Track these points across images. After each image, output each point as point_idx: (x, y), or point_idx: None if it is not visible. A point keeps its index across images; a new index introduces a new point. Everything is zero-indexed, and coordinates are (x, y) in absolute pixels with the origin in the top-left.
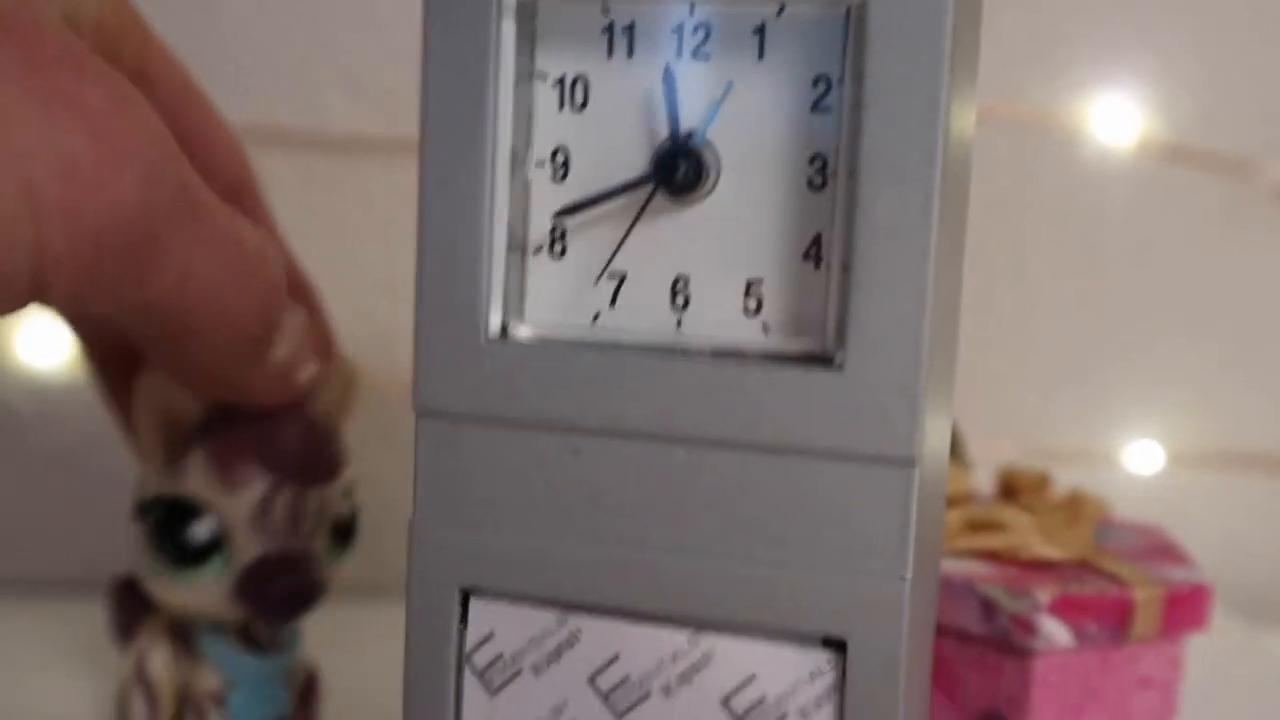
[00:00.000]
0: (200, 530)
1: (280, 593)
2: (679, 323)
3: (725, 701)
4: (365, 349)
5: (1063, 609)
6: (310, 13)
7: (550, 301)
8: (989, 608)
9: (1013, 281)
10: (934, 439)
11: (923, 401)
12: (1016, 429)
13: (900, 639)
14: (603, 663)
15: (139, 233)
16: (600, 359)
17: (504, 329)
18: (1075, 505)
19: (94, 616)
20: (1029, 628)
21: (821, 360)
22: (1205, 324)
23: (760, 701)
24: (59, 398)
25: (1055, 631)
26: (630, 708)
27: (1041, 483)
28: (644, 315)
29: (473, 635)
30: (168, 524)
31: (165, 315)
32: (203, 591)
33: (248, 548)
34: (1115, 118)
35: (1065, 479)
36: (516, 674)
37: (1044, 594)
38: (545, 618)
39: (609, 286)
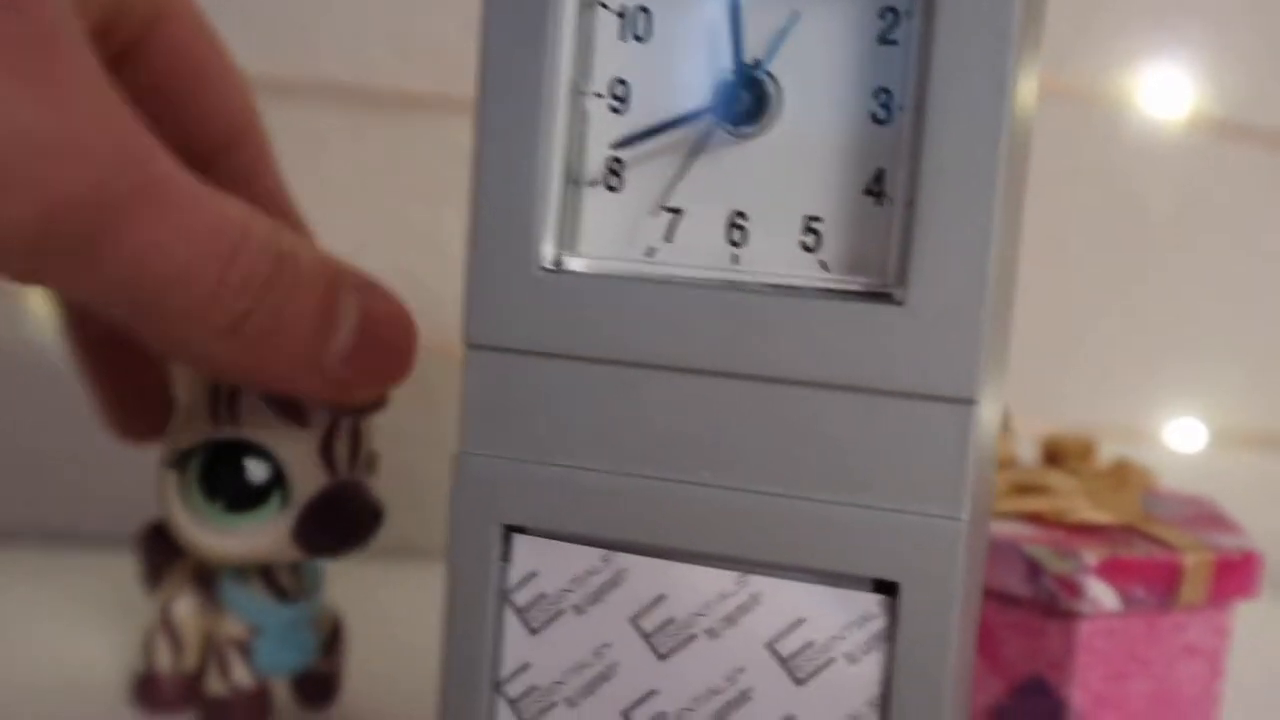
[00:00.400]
0: (258, 470)
1: (347, 524)
2: (735, 259)
3: (771, 645)
4: (412, 312)
5: (1110, 572)
6: None
7: (605, 235)
8: (1034, 569)
9: (1056, 257)
10: (992, 381)
11: (984, 341)
12: (1058, 404)
13: (954, 583)
14: (647, 603)
15: (90, 218)
16: (655, 293)
17: (557, 261)
18: (1121, 472)
19: (126, 568)
20: (1074, 590)
21: (882, 297)
22: (1251, 302)
23: (807, 645)
24: None
25: (1101, 594)
26: (674, 649)
27: (1086, 450)
28: (700, 251)
29: (515, 573)
30: (217, 469)
31: (127, 299)
32: (258, 535)
33: (308, 483)
34: (1165, 91)
35: (1108, 455)
36: (559, 613)
37: (1091, 556)
38: (590, 556)
39: (665, 221)
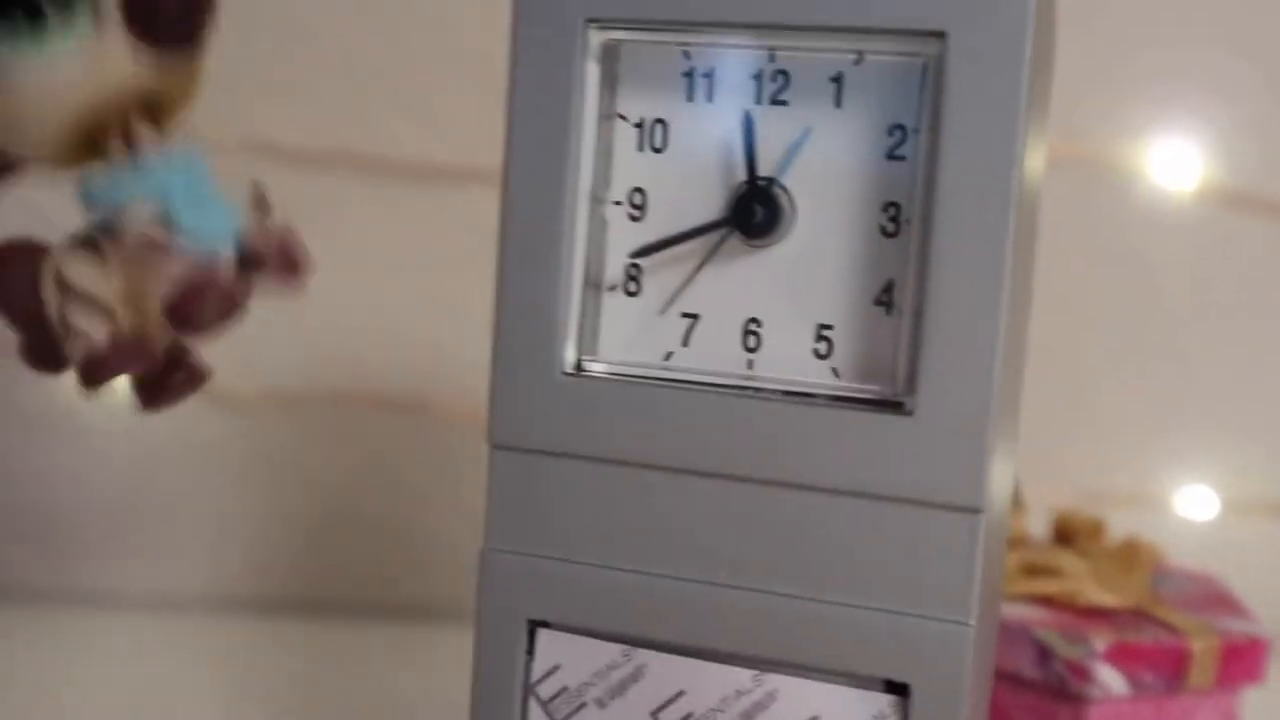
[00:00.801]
0: None
1: None
2: (750, 364)
3: None
4: (430, 373)
5: (1119, 656)
6: (382, 40)
7: (623, 339)
8: (1044, 653)
9: (1066, 324)
10: (999, 486)
11: (991, 450)
12: (1069, 471)
13: (963, 685)
14: (667, 698)
15: None
16: (672, 397)
17: (578, 365)
18: (1130, 552)
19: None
20: (1084, 674)
21: (891, 405)
22: (1263, 370)
23: None
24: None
25: (1111, 679)
26: None
27: (1096, 529)
28: (716, 356)
29: (539, 666)
30: None
31: None
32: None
33: None
34: (1175, 161)
35: (1118, 523)
36: (581, 706)
37: (1100, 641)
38: (611, 651)
39: (682, 326)
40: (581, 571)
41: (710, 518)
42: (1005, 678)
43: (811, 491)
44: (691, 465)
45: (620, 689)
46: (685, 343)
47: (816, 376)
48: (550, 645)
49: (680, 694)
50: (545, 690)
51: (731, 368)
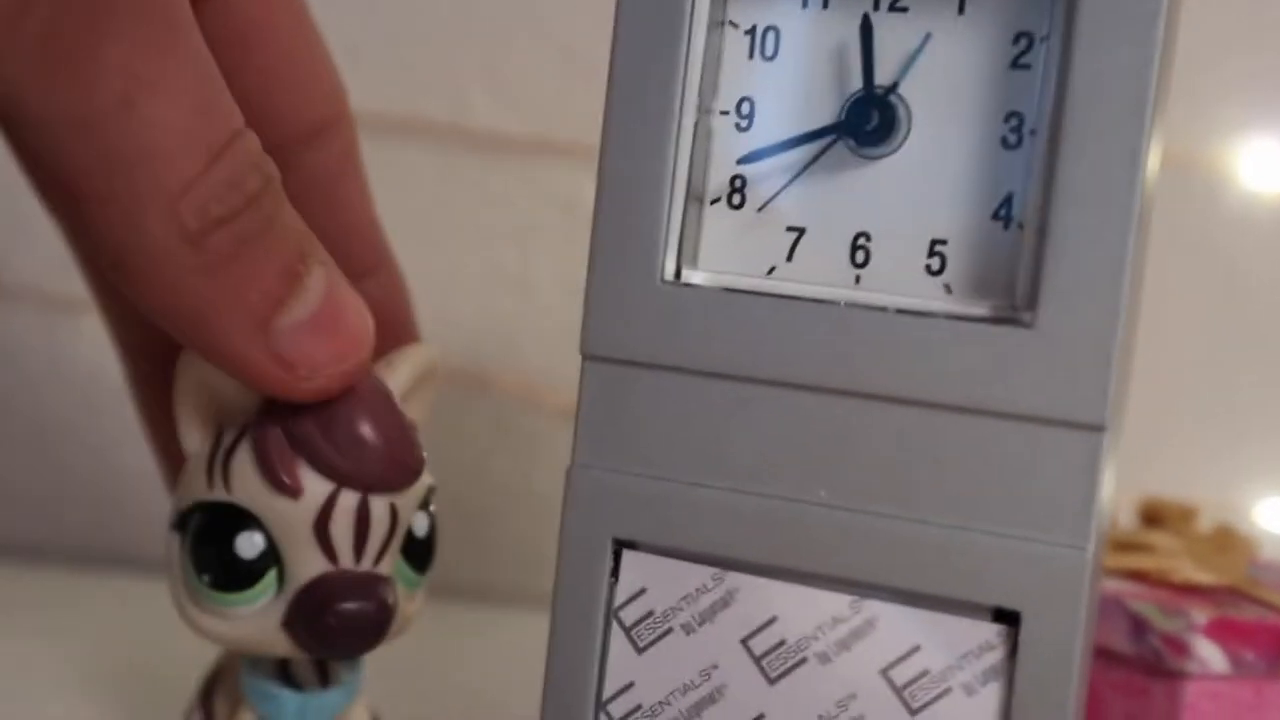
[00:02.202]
0: (250, 543)
1: (340, 621)
2: (857, 279)
3: (885, 672)
4: (491, 349)
5: (1219, 632)
6: (460, 7)
7: (726, 251)
8: (1140, 626)
9: (1149, 328)
10: (1119, 408)
11: (1115, 367)
12: (1148, 477)
13: (1078, 614)
14: (759, 624)
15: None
16: (775, 308)
17: (677, 274)
18: (1225, 535)
19: None
20: (1182, 649)
21: (1008, 321)
22: None
23: (923, 674)
24: None
25: (1210, 655)
26: (784, 673)
27: (1188, 514)
28: (822, 271)
29: (623, 589)
30: (212, 538)
31: (100, 147)
32: (251, 620)
33: (304, 567)
34: (1266, 163)
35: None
36: (666, 632)
37: (1200, 615)
38: (700, 574)
39: (787, 240)
40: (673, 489)
41: (811, 434)
42: (1096, 653)
43: (921, 407)
44: (793, 378)
45: (709, 614)
46: (789, 257)
47: (928, 292)
48: (636, 567)
49: (773, 620)
50: (629, 615)
51: (838, 281)
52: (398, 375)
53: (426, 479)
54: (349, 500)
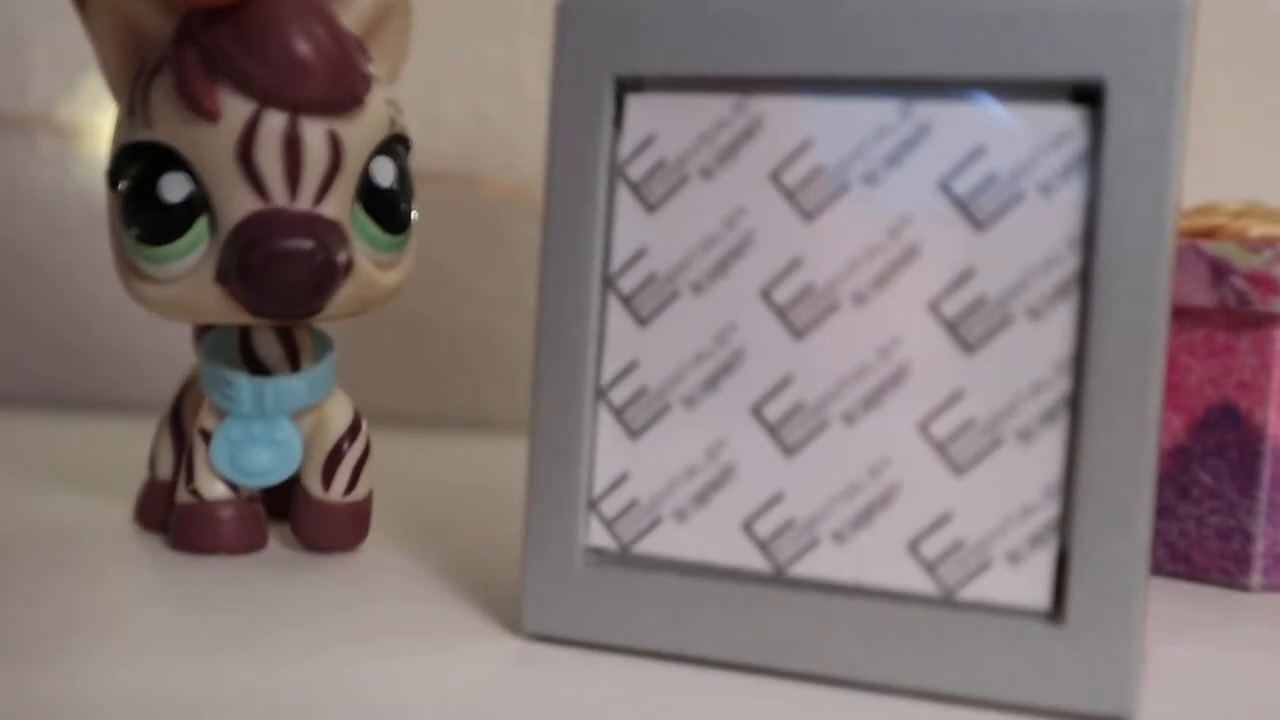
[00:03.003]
0: (174, 184)
1: (268, 260)
2: None
3: (944, 184)
4: (483, 152)
5: None
6: None
7: None
8: (1218, 270)
9: None
10: None
11: None
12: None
13: (1176, 78)
14: (789, 153)
15: None
16: None
17: None
18: None
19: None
20: (1271, 286)
21: None
22: None
23: (990, 180)
24: None
25: None
26: (826, 202)
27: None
28: None
29: (629, 141)
30: (138, 185)
31: None
32: (187, 279)
33: (233, 208)
34: None
35: None
36: (682, 181)
37: None
38: (719, 106)
39: None
40: (678, 6)
41: None
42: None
43: None
44: None
45: (730, 150)
46: None
47: None
48: (642, 112)
49: (806, 144)
50: (637, 169)
51: None
52: (356, 5)
53: (387, 119)
54: (275, 121)
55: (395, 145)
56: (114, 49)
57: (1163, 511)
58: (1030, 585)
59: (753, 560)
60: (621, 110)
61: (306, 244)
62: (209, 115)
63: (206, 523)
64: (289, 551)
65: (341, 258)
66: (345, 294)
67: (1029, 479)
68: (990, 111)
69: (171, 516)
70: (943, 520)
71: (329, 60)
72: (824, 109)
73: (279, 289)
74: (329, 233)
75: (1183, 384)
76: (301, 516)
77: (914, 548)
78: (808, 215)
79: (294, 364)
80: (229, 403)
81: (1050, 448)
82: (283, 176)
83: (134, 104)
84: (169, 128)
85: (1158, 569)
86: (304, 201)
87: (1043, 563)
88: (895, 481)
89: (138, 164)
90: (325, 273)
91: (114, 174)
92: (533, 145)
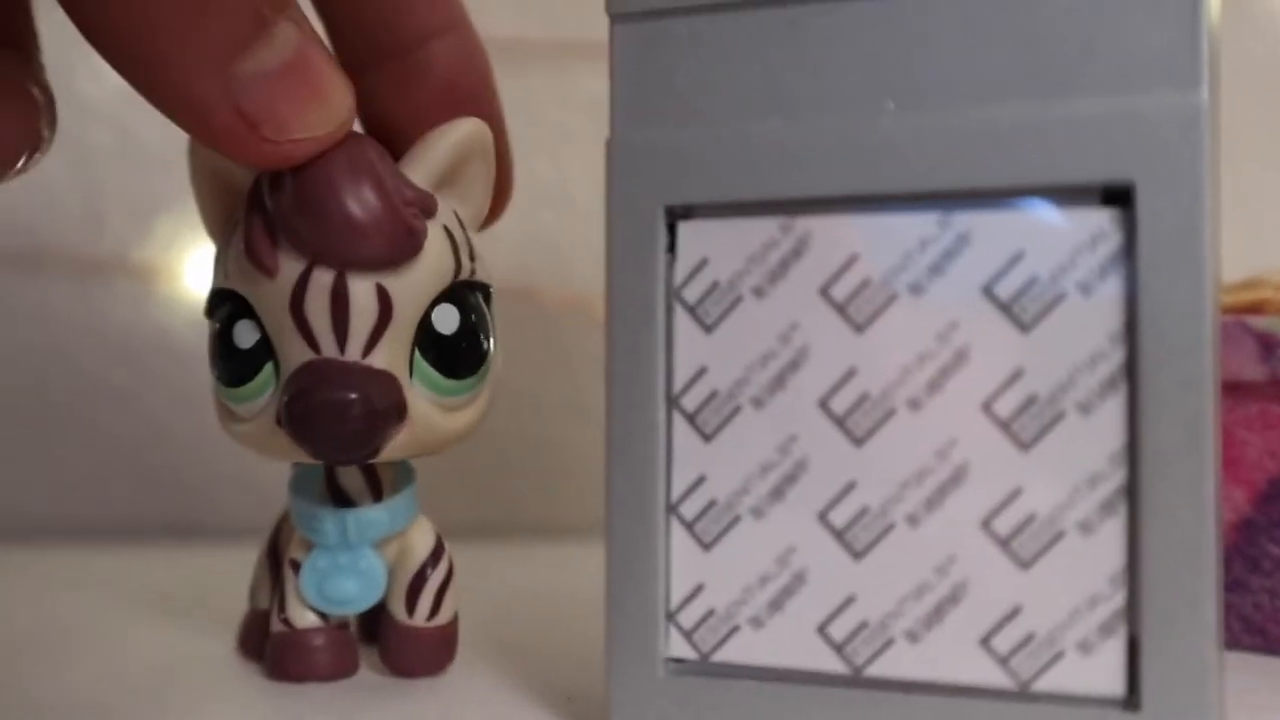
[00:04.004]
0: (245, 331)
1: (307, 411)
2: None
3: (988, 289)
4: (538, 264)
5: None
6: None
7: None
8: (1267, 344)
9: None
10: None
11: None
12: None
13: (1199, 174)
14: (837, 268)
15: None
16: None
17: None
18: None
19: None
20: None
21: None
22: None
23: (1031, 283)
24: None
25: None
26: (876, 313)
27: None
28: None
29: (683, 265)
30: (219, 331)
31: None
32: (259, 419)
33: (292, 357)
34: None
35: None
36: (736, 301)
37: None
38: (766, 227)
39: None
40: (724, 137)
41: (868, 44)
42: (1224, 389)
43: None
44: None
45: (781, 270)
46: None
47: None
48: (694, 238)
49: (853, 259)
50: (692, 292)
51: None
52: (433, 151)
53: (451, 267)
54: (323, 277)
55: (463, 291)
56: (210, 200)
57: (1234, 585)
58: (1104, 673)
59: (830, 663)
60: (674, 237)
61: (346, 395)
62: (267, 271)
63: (298, 650)
64: (379, 677)
65: (386, 406)
66: (402, 439)
67: (1094, 569)
68: (1026, 218)
69: (266, 645)
70: (1012, 614)
71: (375, 219)
72: (867, 225)
73: (322, 438)
74: (373, 383)
75: (1241, 457)
76: (389, 643)
77: (986, 642)
78: (859, 327)
79: (376, 494)
80: (315, 534)
81: (1112, 538)
82: (331, 329)
83: (220, 252)
84: (240, 278)
85: (1233, 643)
86: (353, 352)
87: (1114, 651)
88: (962, 579)
89: (221, 309)
90: (367, 422)
91: (208, 316)
92: (585, 255)
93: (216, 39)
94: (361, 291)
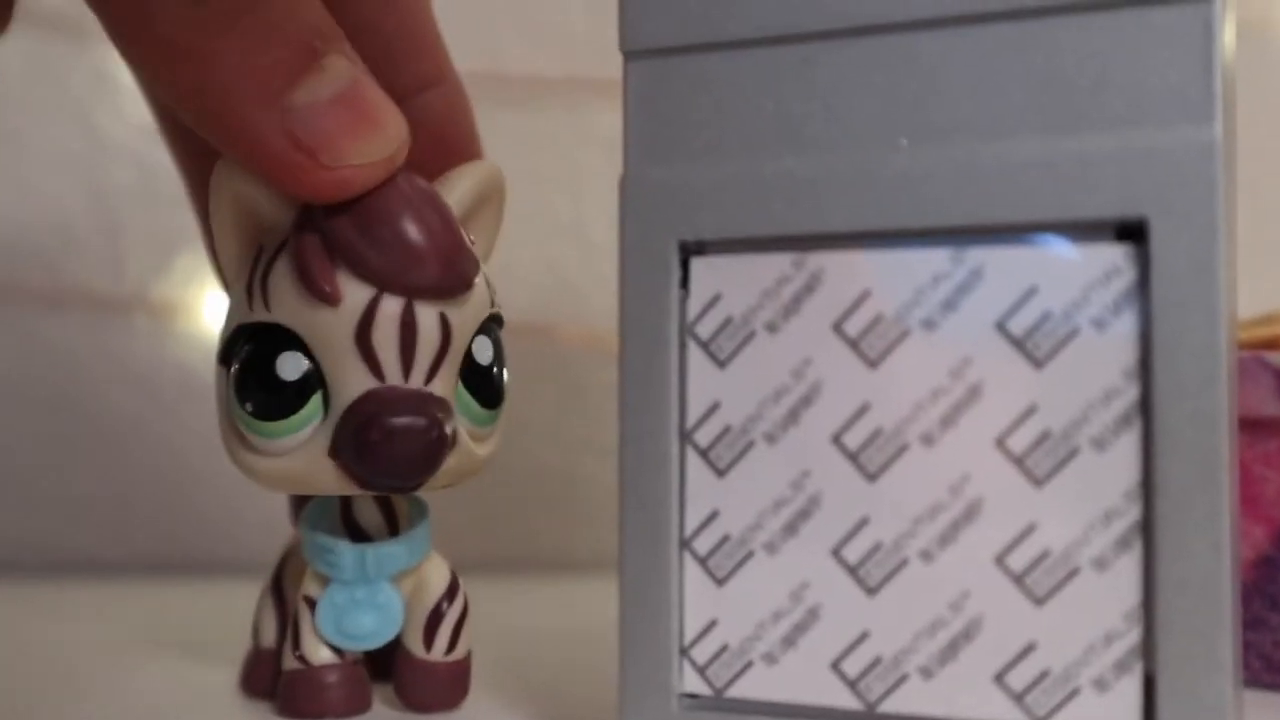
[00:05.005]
0: (292, 363)
1: (386, 437)
2: None
3: (1001, 325)
4: (554, 301)
5: None
6: None
7: None
8: None
9: None
10: None
11: None
12: None
13: (1214, 209)
14: (850, 304)
15: None
16: None
17: None
18: None
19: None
20: None
21: None
22: None
23: (1044, 319)
24: None
25: None
26: (888, 349)
27: None
28: None
29: (696, 301)
30: (254, 363)
31: None
32: (299, 452)
33: (349, 386)
34: None
35: None
36: (749, 337)
37: None
38: (779, 263)
39: None
40: (736, 173)
41: (880, 81)
42: (1241, 426)
43: (996, 21)
44: (854, 23)
45: (794, 305)
46: None
47: None
48: (707, 274)
49: (865, 296)
50: (705, 328)
51: None
52: (456, 191)
53: (488, 299)
54: (392, 306)
55: (491, 324)
56: (233, 235)
57: (1254, 623)
58: (1120, 711)
59: (843, 699)
60: (687, 272)
61: (421, 421)
62: (330, 300)
63: (313, 687)
64: (393, 712)
65: (451, 432)
66: (449, 466)
67: (1109, 606)
68: (1040, 253)
69: (279, 683)
70: (1027, 650)
71: (442, 247)
72: (880, 260)
73: (393, 464)
74: (439, 409)
75: (1261, 494)
76: (404, 678)
77: (1001, 679)
78: (871, 362)
79: (393, 529)
80: (332, 569)
81: (1127, 574)
82: (398, 358)
83: (252, 287)
84: (287, 310)
85: (1254, 681)
86: (416, 380)
87: (1130, 688)
88: (977, 615)
89: (255, 344)
90: (437, 447)
91: (227, 353)
92: (602, 291)
93: (270, 70)
94: (428, 320)
